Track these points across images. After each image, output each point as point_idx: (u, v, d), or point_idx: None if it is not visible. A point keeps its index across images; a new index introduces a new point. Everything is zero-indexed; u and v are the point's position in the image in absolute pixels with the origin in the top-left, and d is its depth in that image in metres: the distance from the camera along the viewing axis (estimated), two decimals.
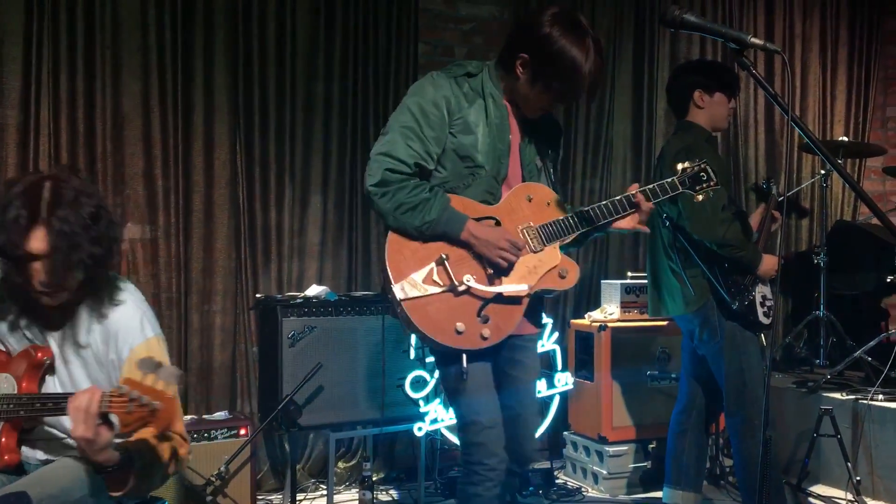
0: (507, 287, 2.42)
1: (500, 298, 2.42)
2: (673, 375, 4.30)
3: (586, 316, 4.57)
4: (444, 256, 2.39)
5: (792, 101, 5.51)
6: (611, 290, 4.51)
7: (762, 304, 3.38)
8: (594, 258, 5.06)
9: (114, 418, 1.92)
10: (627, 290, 4.44)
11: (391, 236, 2.41)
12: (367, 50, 4.51)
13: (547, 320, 4.41)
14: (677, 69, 3.91)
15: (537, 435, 4.29)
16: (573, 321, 4.60)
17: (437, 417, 3.98)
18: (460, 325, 2.37)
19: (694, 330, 3.49)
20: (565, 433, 4.59)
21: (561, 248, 2.55)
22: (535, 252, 2.48)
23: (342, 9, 4.44)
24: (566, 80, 2.41)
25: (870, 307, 5.24)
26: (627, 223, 2.57)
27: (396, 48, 4.58)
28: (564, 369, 4.45)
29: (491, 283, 2.42)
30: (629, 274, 4.70)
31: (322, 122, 4.44)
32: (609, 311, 4.45)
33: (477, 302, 2.40)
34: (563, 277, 2.50)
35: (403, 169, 2.39)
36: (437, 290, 2.38)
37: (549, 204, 2.54)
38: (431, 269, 2.39)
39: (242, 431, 3.78)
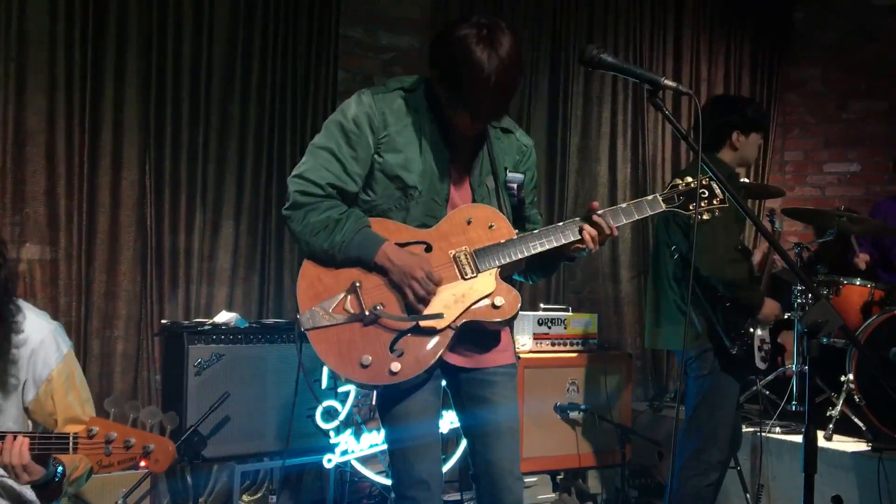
0: (423, 318, 2.20)
1: (417, 330, 2.20)
2: (582, 407, 4.36)
3: None
4: (356, 284, 2.21)
5: (699, 142, 5.71)
6: (523, 321, 4.54)
7: (760, 349, 3.38)
8: None
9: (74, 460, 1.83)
10: (540, 321, 4.49)
11: (305, 263, 2.27)
12: (286, 74, 4.47)
13: None
14: (717, 103, 3.73)
15: (446, 468, 4.27)
16: None
17: (348, 449, 3.91)
18: (366, 358, 2.17)
19: (687, 361, 3.49)
20: None
21: (519, 276, 2.40)
22: (465, 279, 2.25)
23: (261, 30, 4.39)
24: (470, 89, 2.16)
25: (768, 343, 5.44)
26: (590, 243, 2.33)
27: (315, 74, 4.56)
28: None
29: (407, 313, 2.21)
30: (542, 306, 4.76)
31: (237, 145, 4.36)
32: (521, 343, 4.48)
33: (390, 333, 2.20)
34: (496, 307, 2.24)
35: (315, 191, 2.24)
36: (346, 318, 2.20)
37: (492, 227, 2.30)
38: (343, 297, 2.22)
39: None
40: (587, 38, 5.39)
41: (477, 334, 2.31)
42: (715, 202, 2.39)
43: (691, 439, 3.41)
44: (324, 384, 3.92)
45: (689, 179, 2.41)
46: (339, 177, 2.25)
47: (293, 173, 2.28)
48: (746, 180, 4.94)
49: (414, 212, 2.29)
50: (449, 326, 2.22)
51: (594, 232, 2.32)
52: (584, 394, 4.45)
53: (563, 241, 2.32)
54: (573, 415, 4.39)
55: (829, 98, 6.13)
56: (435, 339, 2.21)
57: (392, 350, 2.19)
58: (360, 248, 2.21)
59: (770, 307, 3.39)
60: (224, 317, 3.99)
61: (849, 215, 4.41)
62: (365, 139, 2.26)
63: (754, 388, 4.54)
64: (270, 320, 4.26)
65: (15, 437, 1.86)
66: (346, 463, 4.00)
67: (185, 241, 4.22)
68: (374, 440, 3.96)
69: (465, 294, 2.24)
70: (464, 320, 2.23)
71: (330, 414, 3.90)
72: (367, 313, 2.20)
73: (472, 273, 2.26)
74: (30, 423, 2.18)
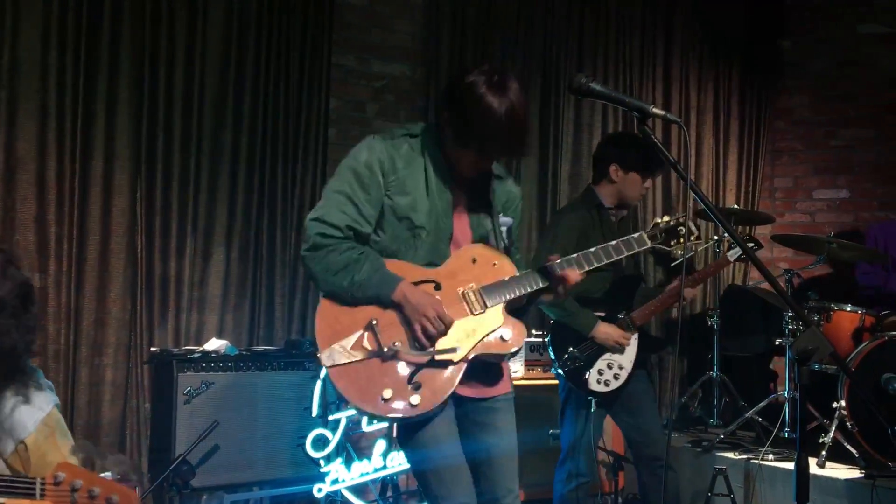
0: (437, 352, 2.33)
1: (433, 364, 2.33)
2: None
3: None
4: (373, 321, 2.33)
5: (688, 169, 5.76)
6: None
7: (602, 372, 3.52)
8: None
9: None
10: (532, 348, 4.47)
11: (323, 302, 2.39)
12: (278, 102, 4.49)
13: None
14: (607, 137, 4.03)
15: None
16: None
17: (339, 478, 3.87)
18: (387, 392, 2.29)
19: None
20: None
21: (515, 313, 2.47)
22: (475, 315, 2.40)
23: (253, 58, 4.42)
24: (482, 132, 2.33)
25: (760, 368, 5.45)
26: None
27: (308, 102, 4.57)
28: None
29: (422, 349, 2.33)
30: (533, 332, 4.74)
31: (228, 173, 4.36)
32: (514, 370, 4.46)
33: (407, 368, 2.33)
34: (504, 340, 2.40)
35: (335, 233, 2.36)
36: (365, 355, 2.32)
37: (495, 265, 2.46)
38: (361, 335, 2.34)
39: None
40: (577, 66, 5.44)
41: (481, 366, 2.44)
42: (692, 238, 2.58)
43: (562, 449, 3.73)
44: (314, 412, 3.90)
45: (667, 218, 2.62)
46: (356, 219, 2.39)
47: (311, 216, 2.41)
48: (736, 206, 4.98)
49: (421, 251, 2.43)
50: (463, 359, 2.35)
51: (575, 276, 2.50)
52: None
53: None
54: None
55: (818, 125, 6.18)
56: (450, 372, 2.35)
57: (410, 383, 2.31)
58: (379, 287, 2.34)
59: (604, 330, 3.52)
60: (214, 344, 3.96)
61: (839, 241, 4.43)
62: (377, 182, 2.40)
63: (746, 414, 4.53)
64: (261, 348, 4.25)
65: None
66: (337, 492, 3.95)
67: (175, 268, 4.21)
68: (366, 469, 3.93)
69: (475, 329, 2.38)
70: (475, 353, 2.37)
71: (321, 442, 3.87)
72: (385, 349, 2.31)
73: (481, 309, 2.40)
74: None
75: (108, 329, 4.03)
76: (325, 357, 2.31)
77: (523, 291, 2.44)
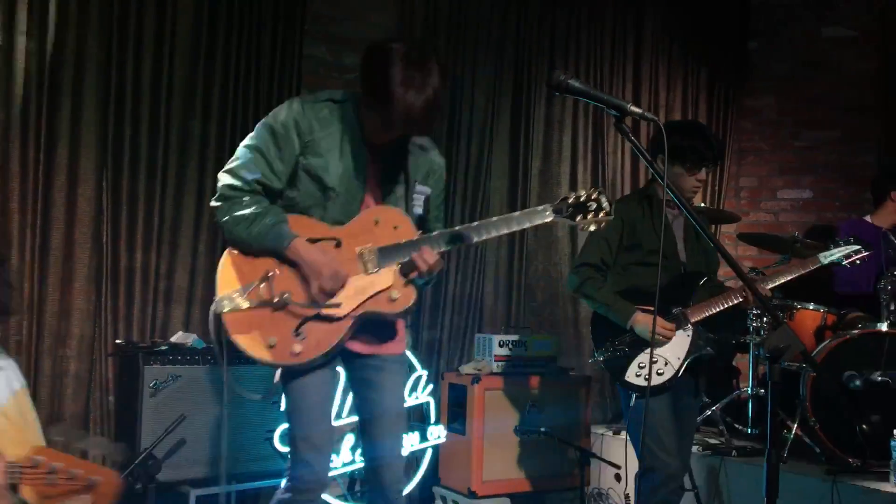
0: (322, 306, 2.45)
1: (320, 317, 2.46)
2: (542, 429, 4.35)
3: (460, 369, 4.58)
4: (270, 272, 2.45)
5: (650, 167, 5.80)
6: (485, 343, 4.55)
7: (643, 366, 3.28)
8: (468, 311, 5.10)
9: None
10: (501, 343, 4.49)
11: (227, 251, 2.53)
12: (248, 92, 4.44)
13: (422, 372, 4.39)
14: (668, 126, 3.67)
15: (406, 490, 4.25)
16: (447, 374, 4.61)
17: None
18: (272, 339, 2.44)
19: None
20: (434, 488, 4.54)
21: (415, 282, 2.53)
22: (369, 273, 2.50)
23: (223, 47, 4.36)
24: (389, 104, 2.39)
25: (724, 366, 5.52)
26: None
27: (278, 93, 4.52)
28: (437, 422, 4.42)
29: (312, 301, 2.45)
30: (503, 328, 4.76)
31: (197, 163, 4.30)
32: (483, 365, 4.48)
33: (295, 319, 2.45)
34: (392, 300, 2.49)
35: (242, 186, 2.49)
36: (258, 303, 2.44)
37: (396, 227, 2.54)
38: (256, 284, 2.46)
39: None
40: (549, 64, 5.46)
41: (376, 325, 2.58)
42: (601, 215, 2.54)
43: (639, 461, 3.37)
44: (283, 406, 3.86)
45: (581, 192, 2.57)
46: (265, 174, 2.51)
47: (224, 169, 2.54)
48: (703, 205, 5.03)
49: (331, 210, 2.55)
50: (348, 315, 2.47)
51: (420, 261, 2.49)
52: (545, 416, 4.46)
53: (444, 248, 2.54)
54: (532, 437, 4.39)
55: (783, 126, 6.28)
56: (335, 326, 2.47)
57: (297, 334, 2.45)
58: (275, 241, 2.46)
59: (638, 322, 3.30)
60: (181, 337, 3.93)
61: (803, 241, 4.50)
62: (291, 141, 2.52)
63: (709, 411, 4.59)
64: None
65: None
66: None
67: (141, 259, 4.15)
68: (334, 463, 3.91)
69: (365, 287, 2.49)
70: (362, 311, 2.49)
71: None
72: (276, 300, 2.44)
73: (374, 268, 2.50)
74: None
75: (71, 320, 3.95)
76: (220, 302, 2.44)
77: (407, 256, 2.49)
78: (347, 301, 2.47)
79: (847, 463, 3.94)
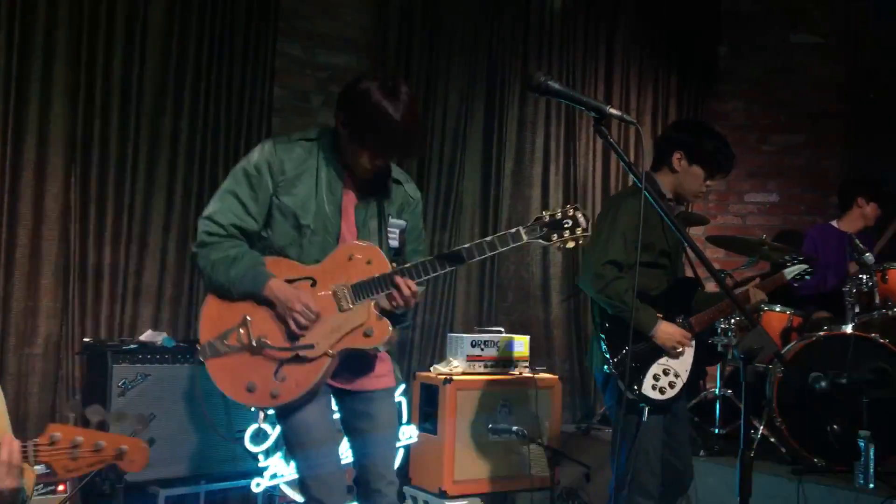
0: (296, 348, 2.48)
1: (297, 358, 2.48)
2: (514, 429, 4.36)
3: (432, 368, 4.58)
4: (247, 317, 2.49)
5: (629, 170, 5.84)
6: (457, 343, 4.54)
7: (657, 378, 3.17)
8: (440, 311, 5.10)
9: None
10: (473, 343, 4.49)
11: (208, 297, 2.56)
12: (220, 88, 4.40)
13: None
14: (679, 122, 3.62)
15: None
16: (419, 373, 4.60)
17: (277, 472, 3.81)
18: (252, 384, 2.48)
19: (602, 385, 3.34)
20: (406, 487, 4.53)
21: (392, 315, 2.53)
22: (342, 311, 2.51)
23: (195, 43, 4.31)
24: (376, 130, 2.47)
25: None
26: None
27: (251, 90, 4.50)
28: (409, 422, 4.42)
29: (289, 342, 2.49)
30: (476, 328, 4.77)
31: (167, 159, 4.26)
32: (454, 365, 4.48)
33: (274, 362, 2.49)
34: (368, 336, 2.51)
35: (219, 231, 2.54)
36: (238, 348, 2.49)
37: (370, 262, 2.54)
38: (235, 329, 2.50)
39: (61, 488, 3.49)
40: (522, 65, 5.48)
41: (357, 361, 2.61)
42: (578, 231, 2.51)
43: (615, 473, 3.23)
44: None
45: (554, 210, 2.52)
46: (241, 217, 2.55)
47: (202, 215, 2.59)
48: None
49: (308, 248, 2.57)
50: (325, 354, 2.49)
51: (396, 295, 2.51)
52: (515, 416, 4.47)
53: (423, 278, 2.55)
54: (504, 437, 4.39)
55: (751, 130, 6.36)
56: (312, 366, 2.49)
57: (276, 376, 2.48)
58: (252, 284, 2.49)
59: (665, 331, 3.17)
60: (150, 335, 3.89)
61: (770, 244, 4.57)
62: (265, 182, 2.56)
63: None
64: None
65: None
66: (276, 487, 3.90)
67: (110, 256, 4.09)
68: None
69: (340, 325, 2.51)
70: (339, 348, 2.51)
71: (259, 436, 3.81)
72: (253, 343, 2.48)
73: (349, 305, 2.52)
74: None
75: (38, 318, 3.89)
76: (203, 349, 2.50)
77: (386, 289, 2.51)
78: (323, 339, 2.49)
79: (812, 463, 4.00)
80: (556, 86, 2.21)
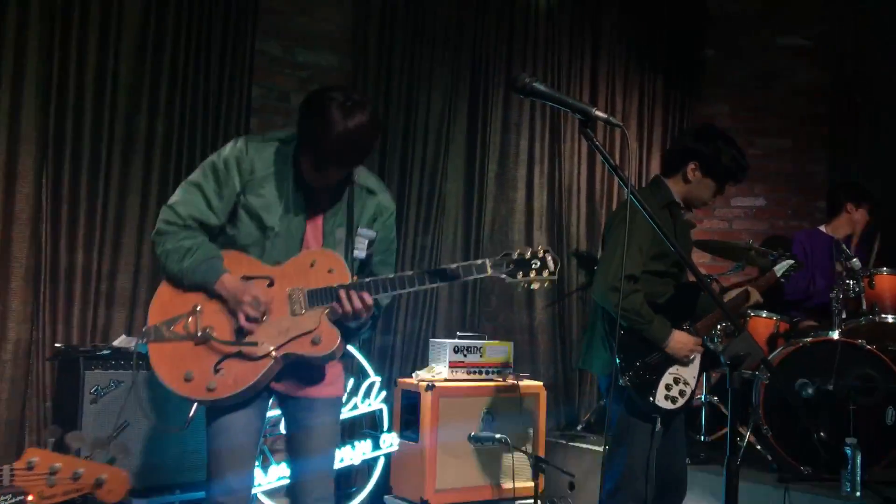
0: (241, 344, 2.47)
1: (241, 355, 2.47)
2: (497, 437, 4.29)
3: (413, 375, 4.50)
4: (197, 307, 2.49)
5: (629, 174, 5.82)
6: (439, 349, 4.48)
7: (669, 387, 3.18)
8: (423, 316, 5.02)
9: None
10: (456, 349, 4.43)
11: (162, 283, 2.59)
12: (197, 87, 4.31)
13: (375, 378, 4.30)
14: (702, 129, 3.54)
15: (358, 500, 4.18)
16: (400, 380, 4.52)
17: (255, 482, 3.73)
18: (189, 374, 2.46)
19: (606, 389, 3.37)
20: (386, 497, 4.45)
21: (345, 327, 2.51)
22: (294, 315, 2.50)
23: (172, 40, 4.22)
24: (317, 139, 2.44)
25: None
26: None
27: (229, 89, 4.41)
28: (390, 430, 4.34)
29: (235, 339, 2.47)
30: (458, 333, 4.70)
31: (142, 160, 4.16)
32: (437, 371, 4.41)
33: (216, 355, 2.47)
34: (315, 344, 2.48)
35: (177, 220, 2.55)
36: (182, 336, 2.49)
37: (331, 271, 2.53)
38: (184, 317, 2.50)
39: (30, 498, 3.37)
40: (507, 67, 5.42)
41: (304, 368, 2.59)
42: (545, 273, 2.49)
43: (608, 477, 3.27)
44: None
45: (525, 250, 2.51)
46: (202, 210, 2.55)
47: (166, 203, 2.60)
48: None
49: (270, 250, 2.56)
50: (268, 355, 2.47)
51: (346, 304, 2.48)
52: (499, 423, 4.40)
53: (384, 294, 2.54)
54: (487, 445, 4.32)
55: (737, 134, 6.18)
56: (254, 365, 2.48)
57: (216, 370, 2.46)
58: (204, 276, 2.50)
59: (678, 340, 3.20)
60: (124, 341, 3.80)
61: (756, 248, 4.53)
62: (232, 179, 2.54)
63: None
64: None
65: None
66: (253, 496, 3.82)
67: (83, 259, 3.99)
68: (283, 472, 3.80)
69: (289, 328, 2.49)
70: (284, 352, 2.49)
71: None
72: (198, 334, 2.48)
73: (301, 310, 2.50)
74: None
75: (7, 322, 3.78)
76: (147, 332, 2.52)
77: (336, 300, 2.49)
78: (269, 340, 2.48)
79: (799, 471, 3.96)
80: (541, 87, 2.19)
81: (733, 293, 3.48)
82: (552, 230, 5.58)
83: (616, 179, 5.91)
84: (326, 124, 2.40)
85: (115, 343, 3.81)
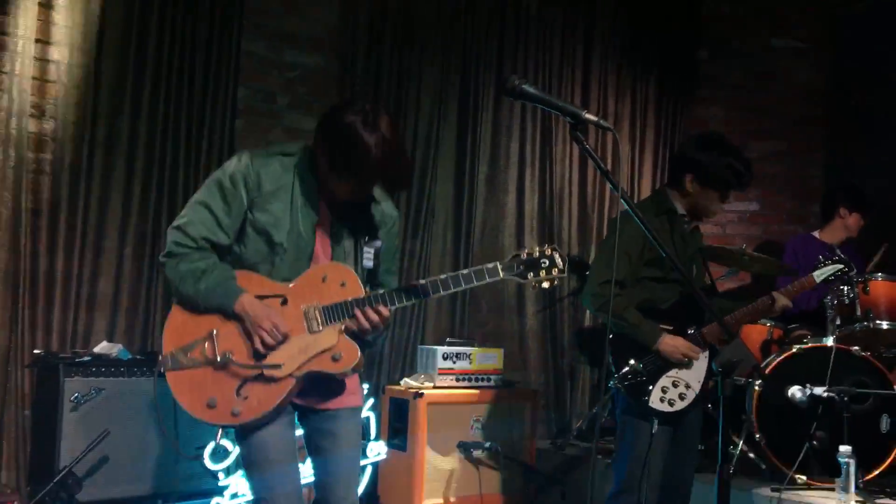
0: (263, 367, 2.44)
1: (262, 377, 2.44)
2: (486, 445, 4.24)
3: (402, 382, 4.44)
4: (214, 331, 2.46)
5: (619, 177, 5.77)
6: (428, 356, 4.42)
7: (666, 390, 3.19)
8: (412, 323, 4.96)
9: None
10: (445, 356, 4.37)
11: (174, 308, 2.52)
12: (182, 88, 4.26)
13: (362, 386, 4.23)
14: (699, 138, 3.49)
15: None
16: (388, 387, 4.46)
17: (238, 492, 3.67)
18: (213, 400, 2.43)
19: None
20: None
21: (362, 340, 2.51)
22: (312, 332, 2.48)
23: (156, 40, 4.18)
24: (359, 167, 2.43)
25: None
26: None
27: (214, 89, 4.37)
28: (378, 438, 4.27)
29: (255, 360, 2.45)
30: (448, 340, 4.64)
31: (125, 162, 4.12)
32: (425, 378, 4.35)
33: (237, 379, 2.44)
34: (335, 360, 2.47)
35: (189, 242, 2.50)
36: (201, 362, 2.45)
37: (343, 285, 2.51)
38: (200, 343, 2.46)
39: None
40: (497, 69, 5.37)
41: (325, 381, 2.55)
42: (554, 272, 2.51)
43: (612, 480, 3.30)
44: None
45: (533, 249, 2.51)
46: (213, 230, 2.51)
47: (172, 225, 2.55)
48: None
49: (279, 267, 2.53)
50: (290, 375, 2.44)
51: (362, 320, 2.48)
52: (489, 431, 4.35)
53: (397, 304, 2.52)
54: (476, 453, 4.27)
55: (732, 137, 6.11)
56: (276, 387, 2.45)
57: (238, 394, 2.43)
58: (222, 298, 2.46)
59: (669, 343, 3.19)
60: (105, 348, 3.77)
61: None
62: (239, 196, 2.51)
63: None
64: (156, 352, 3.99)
65: None
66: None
67: (63, 263, 3.94)
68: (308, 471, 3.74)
69: (308, 346, 2.47)
70: (306, 370, 2.46)
71: (220, 454, 3.66)
72: (218, 359, 2.44)
73: (319, 327, 2.48)
74: None
75: None
76: (164, 361, 2.47)
77: (353, 314, 2.48)
78: (290, 361, 2.45)
79: (792, 478, 3.91)
80: (532, 90, 2.17)
81: (759, 300, 3.39)
82: (543, 234, 5.52)
83: (608, 183, 5.86)
84: (362, 151, 2.38)
85: (96, 349, 3.77)
